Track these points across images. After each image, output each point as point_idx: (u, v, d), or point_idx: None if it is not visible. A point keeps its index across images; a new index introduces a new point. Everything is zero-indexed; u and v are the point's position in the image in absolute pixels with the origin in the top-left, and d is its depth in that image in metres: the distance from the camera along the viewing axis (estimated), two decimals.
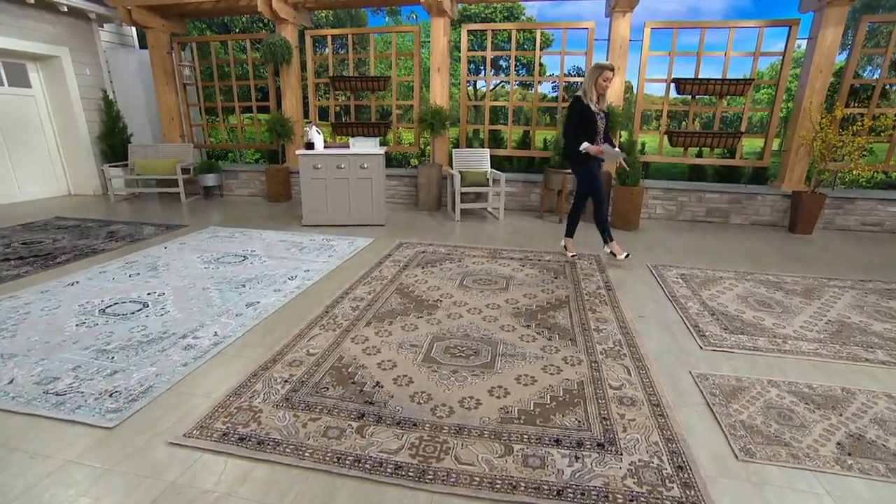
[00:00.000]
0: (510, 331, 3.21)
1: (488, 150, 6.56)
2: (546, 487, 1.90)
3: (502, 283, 4.06)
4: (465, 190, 6.14)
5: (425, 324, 3.30)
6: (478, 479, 1.94)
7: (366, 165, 5.72)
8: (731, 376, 2.71)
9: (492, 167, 7.30)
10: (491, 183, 6.36)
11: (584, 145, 4.22)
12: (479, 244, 5.24)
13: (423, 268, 4.45)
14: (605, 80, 4.21)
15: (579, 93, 4.31)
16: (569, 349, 2.96)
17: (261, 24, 13.73)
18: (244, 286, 3.95)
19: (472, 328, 3.24)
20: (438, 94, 6.69)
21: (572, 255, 4.79)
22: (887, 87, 8.92)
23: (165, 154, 7.42)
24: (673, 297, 3.86)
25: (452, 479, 1.94)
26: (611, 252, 4.72)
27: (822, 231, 6.14)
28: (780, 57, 6.02)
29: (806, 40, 5.98)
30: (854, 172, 5.95)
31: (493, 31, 6.66)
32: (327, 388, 2.56)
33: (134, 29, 8.12)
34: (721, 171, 8.30)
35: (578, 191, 4.55)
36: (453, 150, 6.48)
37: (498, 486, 1.91)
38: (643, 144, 7.58)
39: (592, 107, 4.25)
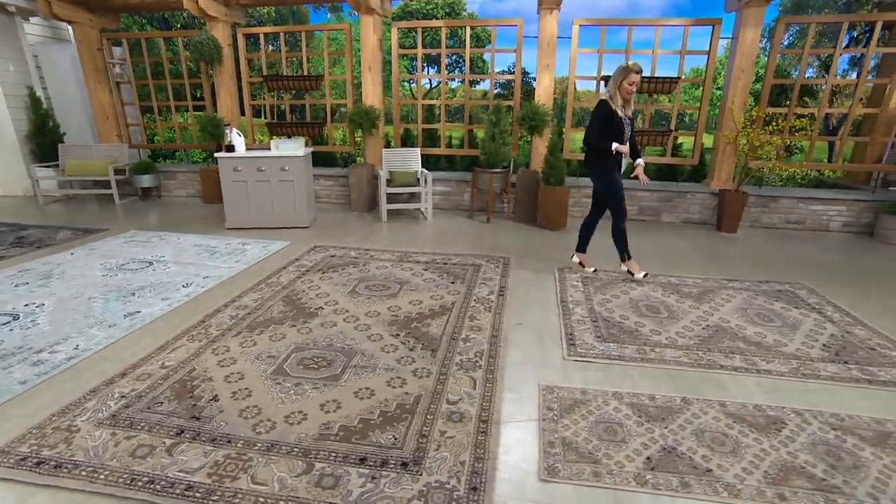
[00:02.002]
0: (376, 340, 3.19)
1: (419, 149, 6.51)
2: None
3: (395, 289, 4.04)
4: (392, 191, 6.10)
5: (295, 333, 3.28)
6: (262, 500, 1.93)
7: (287, 168, 5.67)
8: (579, 388, 2.71)
9: (431, 167, 7.26)
10: (422, 183, 6.32)
11: (616, 145, 3.97)
12: (392, 247, 5.22)
13: (323, 273, 4.42)
14: (630, 84, 3.86)
15: (605, 96, 4.01)
16: (425, 360, 2.95)
17: (201, 21, 13.33)
18: (134, 295, 3.91)
19: (339, 338, 3.22)
20: (371, 93, 6.62)
21: (593, 271, 4.52)
22: (815, 87, 8.97)
23: (99, 154, 7.31)
24: (563, 303, 3.86)
25: (236, 501, 1.92)
26: (628, 270, 4.43)
27: (748, 229, 6.16)
28: (707, 56, 5.99)
29: (729, 40, 5.96)
30: (791, 170, 5.95)
31: (423, 28, 6.59)
32: (161, 404, 2.54)
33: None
34: (663, 168, 8.30)
35: (594, 201, 4.28)
36: (384, 150, 6.43)
37: None
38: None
39: (619, 112, 3.96)
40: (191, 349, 3.08)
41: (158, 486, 1.99)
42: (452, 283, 4.21)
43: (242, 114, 7.39)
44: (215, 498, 1.94)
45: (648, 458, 2.20)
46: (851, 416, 2.51)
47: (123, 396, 2.59)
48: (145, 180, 7.42)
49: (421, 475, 2.07)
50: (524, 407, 2.55)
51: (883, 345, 3.26)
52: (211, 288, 4.08)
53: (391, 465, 2.12)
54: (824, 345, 3.26)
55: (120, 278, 4.25)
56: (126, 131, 7.69)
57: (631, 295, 4.05)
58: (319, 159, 8.87)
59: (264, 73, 7.04)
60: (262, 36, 6.91)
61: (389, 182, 6.30)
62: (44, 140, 7.19)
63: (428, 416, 2.44)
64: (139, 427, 2.35)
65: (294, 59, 7.06)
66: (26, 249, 4.98)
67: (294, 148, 5.81)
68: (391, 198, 6.76)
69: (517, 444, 2.28)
